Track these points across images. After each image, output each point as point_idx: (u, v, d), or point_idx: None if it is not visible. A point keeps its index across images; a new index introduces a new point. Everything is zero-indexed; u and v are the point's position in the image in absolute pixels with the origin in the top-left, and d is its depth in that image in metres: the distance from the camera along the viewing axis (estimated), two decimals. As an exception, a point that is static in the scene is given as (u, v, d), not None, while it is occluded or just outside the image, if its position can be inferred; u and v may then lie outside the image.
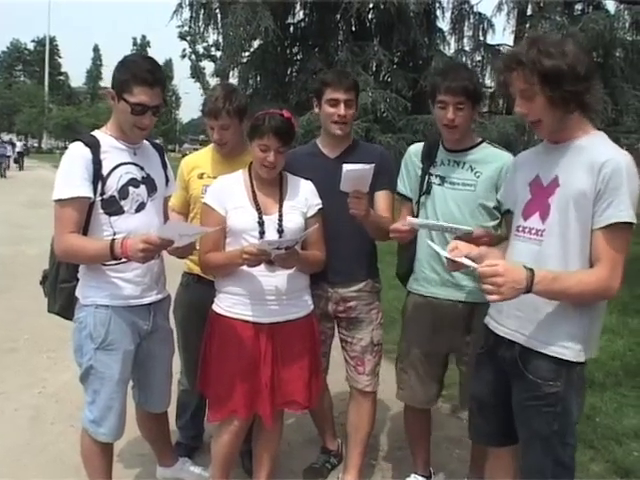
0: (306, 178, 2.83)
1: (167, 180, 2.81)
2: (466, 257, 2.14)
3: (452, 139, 2.79)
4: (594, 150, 2.02)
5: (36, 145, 64.22)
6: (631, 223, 1.97)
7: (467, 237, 2.35)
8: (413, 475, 3.18)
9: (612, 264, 1.97)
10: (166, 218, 2.80)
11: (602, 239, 1.98)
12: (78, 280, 2.64)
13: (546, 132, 2.14)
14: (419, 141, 3.10)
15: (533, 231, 2.15)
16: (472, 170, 2.77)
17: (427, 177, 2.85)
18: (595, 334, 2.15)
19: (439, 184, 2.81)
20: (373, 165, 2.50)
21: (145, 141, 2.71)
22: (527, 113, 2.09)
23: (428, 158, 2.88)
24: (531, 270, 1.93)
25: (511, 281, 1.89)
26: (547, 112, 2.04)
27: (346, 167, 2.48)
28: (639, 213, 2.02)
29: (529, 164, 2.28)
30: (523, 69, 2.02)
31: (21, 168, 34.32)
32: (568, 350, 2.08)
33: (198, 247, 2.69)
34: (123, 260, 2.41)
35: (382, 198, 2.96)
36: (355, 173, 2.49)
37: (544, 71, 1.97)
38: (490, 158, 2.77)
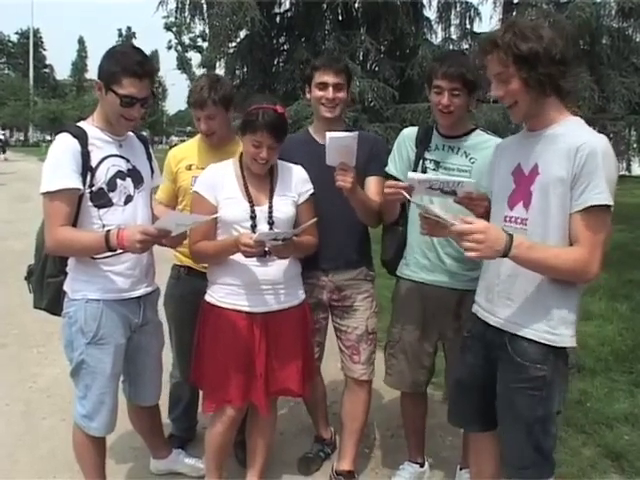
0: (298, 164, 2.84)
1: (152, 172, 2.79)
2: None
3: (446, 124, 2.77)
4: (570, 136, 2.04)
5: (22, 139, 63.63)
6: (608, 205, 1.98)
7: (468, 196, 2.32)
8: (407, 463, 3.19)
9: (591, 247, 1.98)
10: (152, 210, 2.78)
11: (580, 222, 1.99)
12: (66, 274, 2.62)
13: (521, 115, 2.15)
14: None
15: (519, 220, 2.16)
16: (467, 156, 2.77)
17: (421, 161, 2.84)
18: (578, 317, 2.16)
19: (434, 169, 2.80)
20: (357, 134, 2.50)
21: (130, 133, 2.69)
22: (503, 96, 2.11)
23: (423, 142, 2.87)
24: (510, 235, 1.94)
25: (491, 239, 1.90)
26: (523, 95, 2.06)
27: (329, 135, 2.49)
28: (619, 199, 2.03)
29: (510, 153, 2.29)
30: (498, 52, 2.04)
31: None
32: (560, 337, 2.09)
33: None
34: (118, 252, 2.40)
35: (373, 183, 2.95)
36: (339, 141, 2.49)
37: (519, 53, 1.99)
38: (484, 144, 2.76)
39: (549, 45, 2.01)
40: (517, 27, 2.03)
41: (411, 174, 2.44)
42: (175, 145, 3.93)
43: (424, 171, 2.80)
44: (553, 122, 2.11)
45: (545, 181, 2.06)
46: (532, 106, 2.09)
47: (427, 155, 2.83)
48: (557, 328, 2.09)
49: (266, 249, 2.51)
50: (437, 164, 2.81)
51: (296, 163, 2.84)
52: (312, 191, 2.80)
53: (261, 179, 2.70)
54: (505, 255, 1.93)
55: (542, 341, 2.10)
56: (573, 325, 2.11)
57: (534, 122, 2.16)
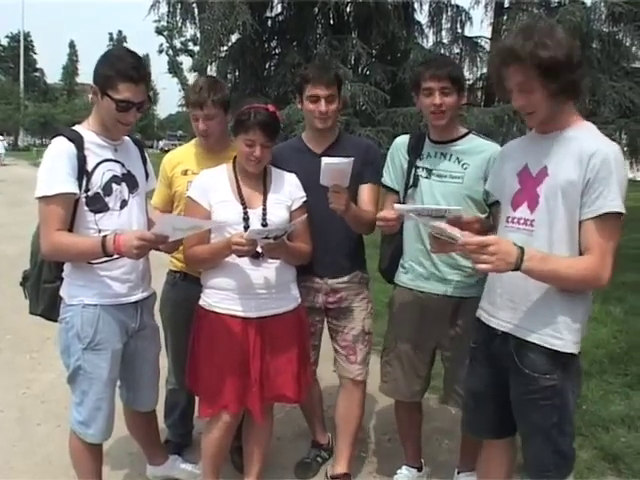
0: (291, 172, 2.83)
1: (147, 175, 2.78)
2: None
3: (439, 125, 2.75)
4: (583, 141, 2.03)
5: (11, 143, 63.29)
6: (620, 213, 1.97)
7: (457, 221, 2.33)
8: (404, 467, 3.19)
9: (602, 254, 1.98)
10: (147, 215, 2.76)
11: (592, 229, 1.99)
12: (62, 280, 2.60)
13: (537, 121, 2.13)
14: (399, 134, 3.08)
15: (522, 221, 2.16)
16: (459, 162, 2.76)
17: (414, 170, 2.83)
18: (585, 324, 2.16)
19: (426, 177, 2.80)
20: (352, 160, 2.48)
21: (125, 137, 2.68)
22: (525, 105, 2.08)
23: (414, 150, 2.86)
24: (521, 247, 1.94)
25: (503, 252, 1.90)
26: (545, 103, 2.04)
27: (325, 161, 2.47)
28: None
29: (517, 154, 2.28)
30: (520, 63, 2.00)
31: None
32: (564, 342, 2.09)
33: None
34: (115, 257, 2.38)
35: (366, 191, 2.95)
36: (334, 167, 2.48)
37: (543, 64, 1.96)
38: (477, 149, 2.75)
39: (570, 51, 1.98)
40: (536, 35, 1.98)
41: (397, 206, 2.47)
42: (167, 150, 3.91)
43: (416, 179, 2.80)
44: (566, 125, 2.10)
45: (554, 183, 2.06)
46: (551, 112, 2.07)
47: (419, 163, 2.83)
48: (561, 332, 2.08)
49: (259, 249, 2.51)
50: (429, 172, 2.80)
51: (289, 170, 2.84)
52: (305, 199, 2.80)
53: (255, 183, 2.71)
54: (517, 268, 1.93)
55: (546, 345, 2.09)
56: (577, 332, 2.10)
57: (547, 125, 2.14)
